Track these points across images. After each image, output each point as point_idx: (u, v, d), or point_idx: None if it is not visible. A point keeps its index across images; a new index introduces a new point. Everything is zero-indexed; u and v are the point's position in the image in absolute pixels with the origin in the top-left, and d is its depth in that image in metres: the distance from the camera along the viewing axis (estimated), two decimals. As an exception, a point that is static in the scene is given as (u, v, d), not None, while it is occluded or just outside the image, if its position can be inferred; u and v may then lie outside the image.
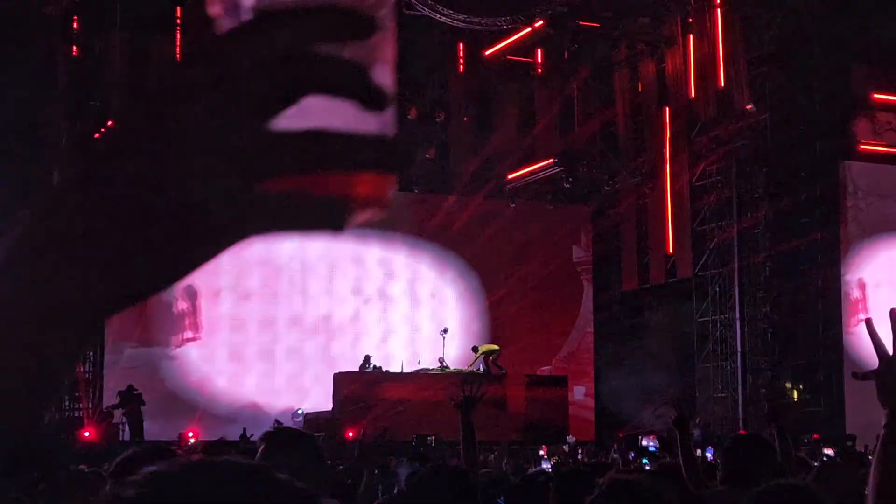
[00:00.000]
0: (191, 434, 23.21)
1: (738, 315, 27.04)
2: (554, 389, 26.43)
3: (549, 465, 15.18)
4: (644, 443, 20.50)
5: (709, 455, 16.61)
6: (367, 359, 25.52)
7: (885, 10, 24.25)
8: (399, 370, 25.62)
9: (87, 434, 22.67)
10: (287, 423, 24.55)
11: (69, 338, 0.86)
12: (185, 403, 25.79)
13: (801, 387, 26.76)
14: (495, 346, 26.44)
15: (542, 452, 20.09)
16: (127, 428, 23.55)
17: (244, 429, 22.71)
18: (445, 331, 26.04)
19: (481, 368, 25.75)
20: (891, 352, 3.69)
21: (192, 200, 0.83)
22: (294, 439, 4.16)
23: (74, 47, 24.13)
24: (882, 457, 3.51)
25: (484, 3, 24.59)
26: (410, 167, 26.99)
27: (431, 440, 21.80)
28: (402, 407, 22.62)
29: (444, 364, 25.55)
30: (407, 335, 27.88)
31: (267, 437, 4.19)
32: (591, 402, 29.68)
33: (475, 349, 26.24)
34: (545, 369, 29.13)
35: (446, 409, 21.52)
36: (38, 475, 7.55)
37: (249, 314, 27.17)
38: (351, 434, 22.41)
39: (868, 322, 3.73)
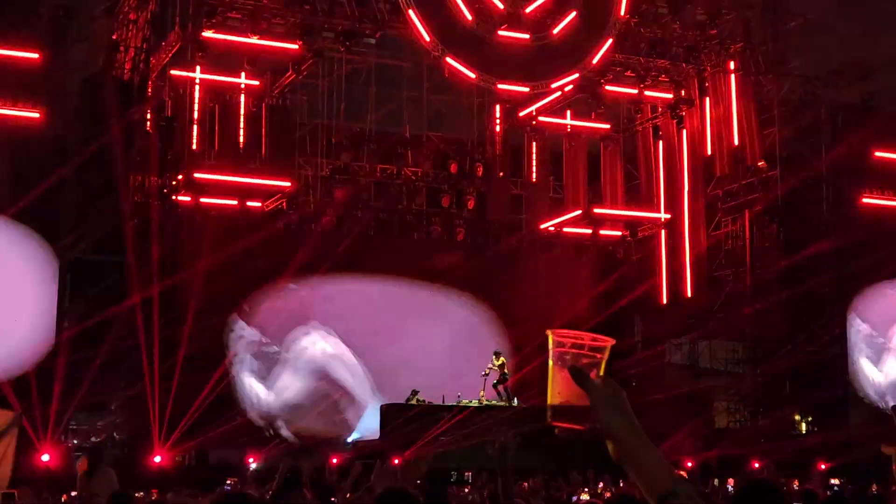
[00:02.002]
0: (251, 459, 23.75)
1: (752, 354, 27.38)
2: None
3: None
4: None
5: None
6: (413, 392, 25.56)
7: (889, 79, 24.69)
8: (440, 403, 25.63)
9: (157, 459, 22.88)
10: (339, 450, 25.13)
11: None
12: (247, 429, 25.92)
13: (808, 419, 26.89)
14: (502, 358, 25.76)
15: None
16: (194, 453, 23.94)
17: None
18: (487, 374, 25.85)
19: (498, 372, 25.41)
20: None
21: None
22: None
23: (149, 108, 24.55)
24: None
25: (518, 70, 25.06)
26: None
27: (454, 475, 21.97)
28: (443, 438, 22.83)
29: (484, 399, 25.37)
30: (449, 371, 27.48)
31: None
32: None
33: (497, 354, 25.61)
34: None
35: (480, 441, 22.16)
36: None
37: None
38: (397, 461, 22.99)
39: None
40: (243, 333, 25.70)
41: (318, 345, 26.30)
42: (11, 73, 22.51)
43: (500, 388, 24.98)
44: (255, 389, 25.54)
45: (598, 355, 2.91)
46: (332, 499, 11.35)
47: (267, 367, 25.94)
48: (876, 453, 19.85)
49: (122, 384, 23.98)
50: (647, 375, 29.43)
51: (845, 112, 27.23)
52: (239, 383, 25.26)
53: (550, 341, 2.94)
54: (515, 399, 25.54)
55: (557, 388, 2.86)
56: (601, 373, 2.88)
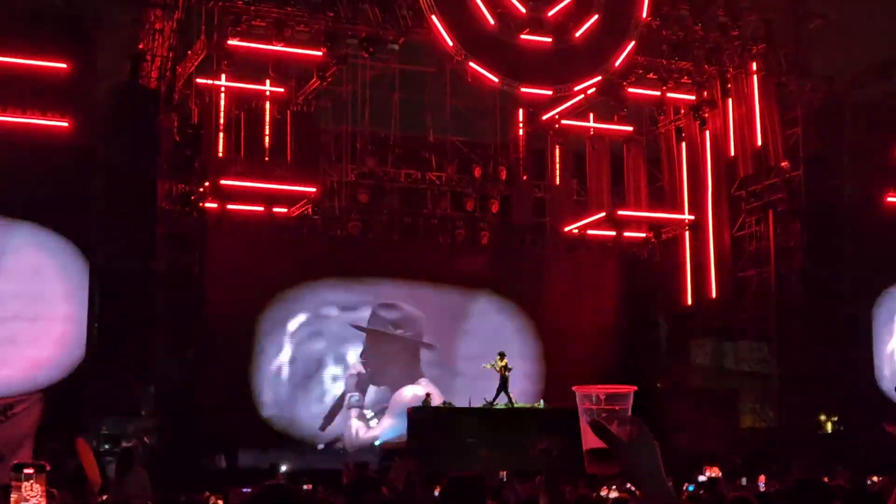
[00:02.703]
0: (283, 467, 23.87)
1: (776, 354, 27.28)
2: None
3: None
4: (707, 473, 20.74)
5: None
6: (427, 396, 25.35)
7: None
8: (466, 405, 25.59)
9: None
10: (367, 454, 25.19)
11: None
12: (275, 434, 26.06)
13: (834, 419, 26.79)
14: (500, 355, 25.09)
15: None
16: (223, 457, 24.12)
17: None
18: (510, 370, 25.73)
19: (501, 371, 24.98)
20: None
21: None
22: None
23: (176, 116, 24.62)
24: None
25: (541, 74, 25.05)
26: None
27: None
28: (471, 440, 22.83)
29: (513, 400, 25.23)
30: (472, 372, 27.48)
31: None
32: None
33: (502, 355, 24.95)
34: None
35: (514, 444, 22.09)
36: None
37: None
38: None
39: None
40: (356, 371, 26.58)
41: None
42: (40, 83, 22.66)
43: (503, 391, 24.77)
44: (356, 425, 26.18)
45: (618, 406, 3.14)
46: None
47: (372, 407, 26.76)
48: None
49: (153, 389, 24.09)
50: (672, 376, 29.52)
51: (869, 111, 27.12)
52: (344, 415, 26.23)
53: (577, 398, 3.20)
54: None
55: (588, 437, 3.10)
56: (630, 422, 3.11)
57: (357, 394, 26.44)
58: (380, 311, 27.26)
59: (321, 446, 26.41)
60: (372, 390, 26.89)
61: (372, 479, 10.22)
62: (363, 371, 26.67)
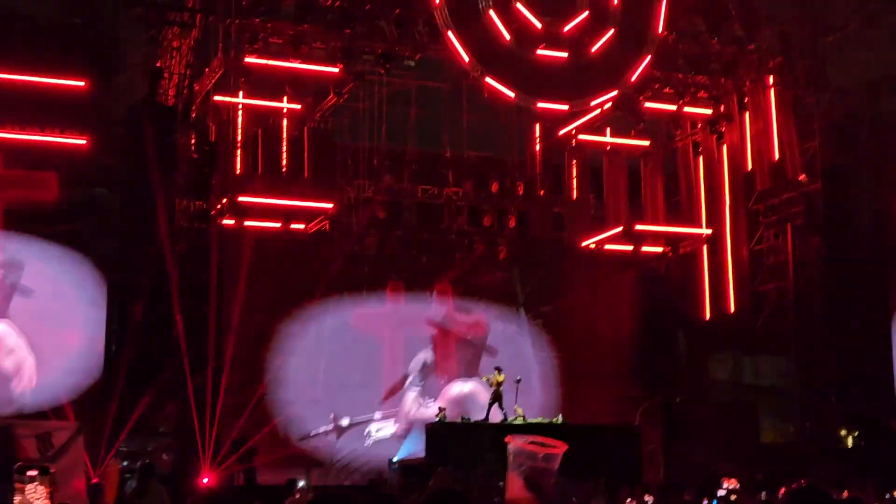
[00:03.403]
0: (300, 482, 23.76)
1: (796, 367, 27.08)
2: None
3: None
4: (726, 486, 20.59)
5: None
6: (441, 411, 25.22)
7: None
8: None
9: (205, 481, 22.76)
10: (384, 471, 25.11)
11: None
12: (295, 454, 26.02)
13: (855, 434, 26.62)
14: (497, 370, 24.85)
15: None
16: (241, 475, 23.70)
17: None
18: (519, 380, 25.79)
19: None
20: None
21: None
22: None
23: (193, 133, 24.65)
24: None
25: (557, 89, 25.00)
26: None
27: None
28: (491, 455, 22.75)
29: (522, 415, 25.09)
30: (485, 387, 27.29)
31: None
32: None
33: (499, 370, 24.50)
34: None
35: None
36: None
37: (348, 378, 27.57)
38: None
39: None
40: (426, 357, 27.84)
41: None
42: (59, 101, 22.71)
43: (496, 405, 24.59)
44: (411, 404, 27.35)
45: (553, 465, 3.29)
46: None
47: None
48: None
49: (170, 406, 24.04)
50: (691, 391, 29.39)
51: (887, 124, 26.98)
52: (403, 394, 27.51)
53: (508, 448, 3.29)
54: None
55: (511, 488, 3.27)
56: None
57: (419, 376, 27.58)
58: (455, 314, 28.33)
59: (341, 456, 26.45)
60: (432, 378, 27.92)
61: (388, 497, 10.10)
62: (429, 359, 27.75)
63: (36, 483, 5.20)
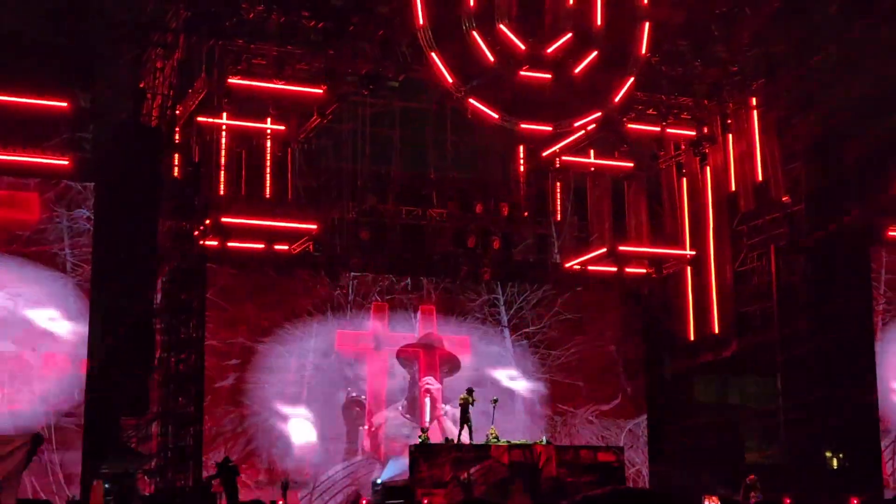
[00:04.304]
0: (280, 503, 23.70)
1: (780, 389, 27.01)
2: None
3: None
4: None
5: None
6: (423, 431, 25.28)
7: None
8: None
9: None
10: (368, 492, 25.07)
11: None
12: (277, 475, 25.97)
13: (840, 455, 26.56)
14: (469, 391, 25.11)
15: None
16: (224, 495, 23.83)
17: None
18: (495, 401, 25.76)
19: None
20: None
21: None
22: None
23: (177, 154, 24.62)
24: None
25: (540, 110, 25.00)
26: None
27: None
28: (475, 475, 22.79)
29: (496, 435, 25.06)
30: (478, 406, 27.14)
31: None
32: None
33: (470, 391, 24.88)
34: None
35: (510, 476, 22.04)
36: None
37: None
38: (426, 501, 22.88)
39: None
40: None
41: None
42: (41, 121, 22.67)
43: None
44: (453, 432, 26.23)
45: None
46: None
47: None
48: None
49: (153, 428, 23.91)
50: (676, 411, 29.42)
51: (870, 145, 27.02)
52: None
53: None
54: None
55: None
56: None
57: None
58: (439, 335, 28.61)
59: (326, 478, 26.37)
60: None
61: None
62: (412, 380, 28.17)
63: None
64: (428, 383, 28.01)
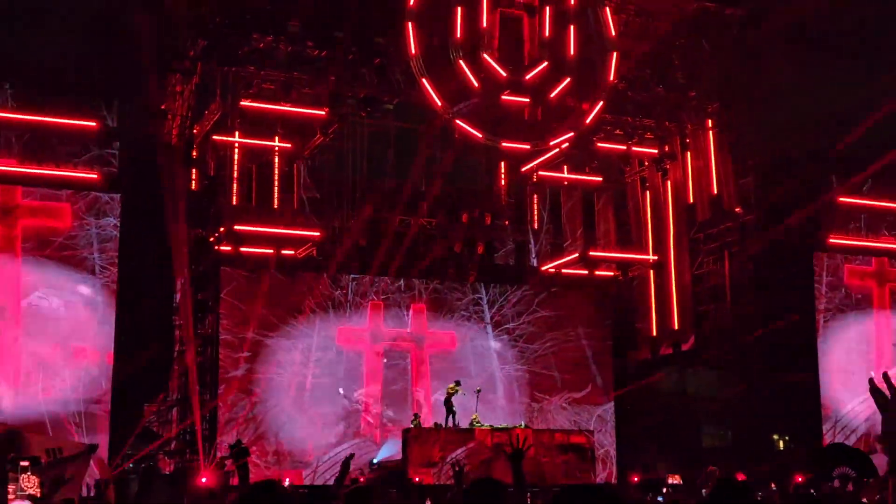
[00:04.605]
0: (287, 480, 23.65)
1: (733, 380, 26.96)
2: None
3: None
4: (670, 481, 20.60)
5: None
6: (416, 417, 25.52)
7: (844, 127, 24.65)
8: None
9: (203, 480, 22.92)
10: (366, 471, 25.00)
11: None
12: (285, 456, 25.90)
13: (786, 438, 26.63)
14: (456, 383, 25.67)
15: None
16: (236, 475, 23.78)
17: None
18: (479, 391, 25.78)
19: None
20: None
21: None
22: None
23: (194, 169, 24.55)
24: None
25: (520, 130, 25.00)
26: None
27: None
28: (461, 454, 22.82)
29: (478, 420, 25.31)
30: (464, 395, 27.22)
31: None
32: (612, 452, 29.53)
33: (457, 382, 25.48)
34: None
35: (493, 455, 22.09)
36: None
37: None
38: (418, 479, 22.89)
39: (871, 381, 4.25)
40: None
41: None
42: (72, 139, 22.66)
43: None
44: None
45: None
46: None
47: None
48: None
49: (172, 414, 23.89)
50: (640, 400, 29.40)
51: (814, 161, 27.15)
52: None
53: None
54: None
55: None
56: None
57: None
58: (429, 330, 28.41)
59: (327, 458, 26.32)
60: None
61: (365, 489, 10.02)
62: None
63: (28, 473, 5.09)
64: (418, 391, 27.94)
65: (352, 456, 12.70)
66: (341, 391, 26.68)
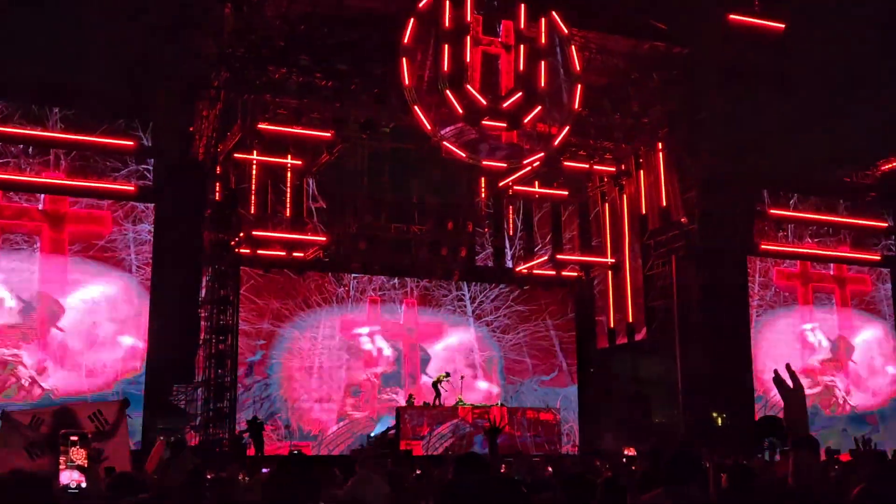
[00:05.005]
0: (297, 450, 23.63)
1: (678, 365, 27.18)
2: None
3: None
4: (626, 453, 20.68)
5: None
6: (410, 398, 25.59)
7: (780, 148, 24.84)
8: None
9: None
10: (364, 443, 24.99)
11: None
12: (295, 430, 25.87)
13: (724, 415, 26.73)
14: (445, 374, 25.88)
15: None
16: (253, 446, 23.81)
17: None
18: (462, 378, 25.80)
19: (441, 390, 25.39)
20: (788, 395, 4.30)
21: None
22: None
23: (218, 182, 24.62)
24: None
25: (498, 151, 25.04)
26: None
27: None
28: (446, 430, 22.83)
29: (461, 400, 25.43)
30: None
31: None
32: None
33: (447, 375, 25.60)
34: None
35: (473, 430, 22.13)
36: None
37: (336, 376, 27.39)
38: (406, 447, 22.91)
39: (776, 372, 4.39)
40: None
41: None
42: (112, 156, 22.66)
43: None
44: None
45: None
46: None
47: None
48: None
49: (199, 392, 23.85)
50: (601, 383, 29.48)
51: (746, 178, 27.32)
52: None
53: None
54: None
55: None
56: None
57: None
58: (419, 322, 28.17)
59: (331, 432, 26.30)
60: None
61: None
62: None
63: (77, 447, 5.15)
64: (410, 374, 27.97)
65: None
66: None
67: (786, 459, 5.41)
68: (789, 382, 4.81)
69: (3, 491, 3.06)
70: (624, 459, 20.60)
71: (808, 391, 25.61)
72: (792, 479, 4.84)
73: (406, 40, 22.96)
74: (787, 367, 4.49)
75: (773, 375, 4.56)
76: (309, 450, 25.35)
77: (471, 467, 5.67)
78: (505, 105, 24.07)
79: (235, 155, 24.32)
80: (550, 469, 13.66)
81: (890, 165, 29.43)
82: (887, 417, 29.68)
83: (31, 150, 22.28)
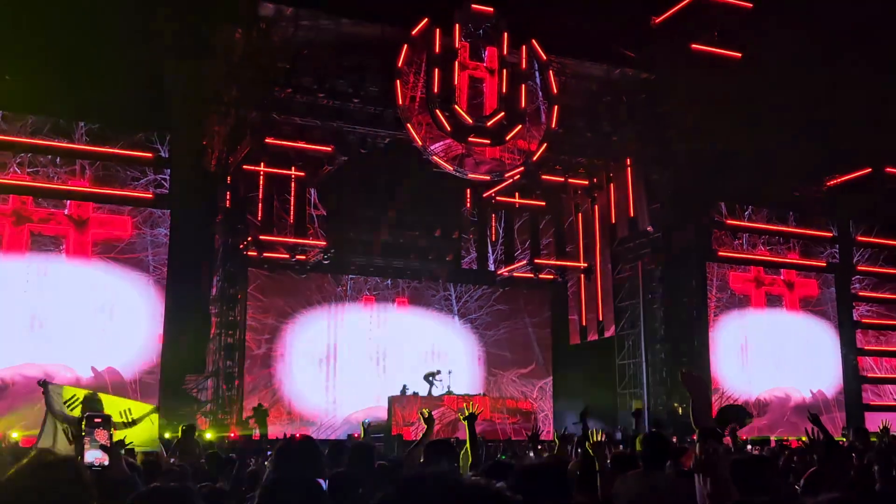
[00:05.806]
0: (298, 435, 23.59)
1: (644, 360, 27.32)
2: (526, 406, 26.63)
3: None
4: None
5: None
6: (404, 387, 25.50)
7: (737, 164, 24.97)
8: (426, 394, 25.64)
9: (232, 435, 22.91)
10: (358, 430, 24.97)
11: None
12: (296, 416, 25.83)
13: (685, 405, 26.83)
14: (436, 370, 25.66)
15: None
16: (258, 430, 23.75)
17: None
18: (450, 372, 25.87)
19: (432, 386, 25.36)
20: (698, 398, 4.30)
21: None
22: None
23: (228, 191, 24.62)
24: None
25: (482, 165, 25.13)
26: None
27: (453, 440, 21.91)
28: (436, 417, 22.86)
29: (450, 391, 25.48)
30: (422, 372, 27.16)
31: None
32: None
33: (438, 371, 25.50)
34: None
35: (458, 417, 22.17)
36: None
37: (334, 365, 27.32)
38: (397, 433, 22.94)
39: (681, 372, 4.41)
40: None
41: None
42: (132, 166, 22.63)
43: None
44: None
45: None
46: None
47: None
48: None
49: (209, 382, 23.81)
50: (574, 376, 29.54)
51: (709, 193, 27.43)
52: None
53: None
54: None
55: None
56: None
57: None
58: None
59: (329, 419, 26.28)
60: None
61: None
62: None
63: (101, 428, 5.20)
64: (402, 368, 27.93)
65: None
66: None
67: (693, 449, 5.49)
68: (692, 386, 4.85)
69: (32, 472, 3.03)
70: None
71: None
72: (694, 466, 4.87)
73: (400, 64, 23.07)
74: (688, 370, 4.52)
75: (680, 377, 4.62)
76: (308, 434, 25.35)
77: (441, 449, 5.82)
78: (489, 124, 24.19)
79: (244, 166, 24.38)
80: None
81: (835, 181, 29.67)
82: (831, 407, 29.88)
83: (58, 160, 22.23)
